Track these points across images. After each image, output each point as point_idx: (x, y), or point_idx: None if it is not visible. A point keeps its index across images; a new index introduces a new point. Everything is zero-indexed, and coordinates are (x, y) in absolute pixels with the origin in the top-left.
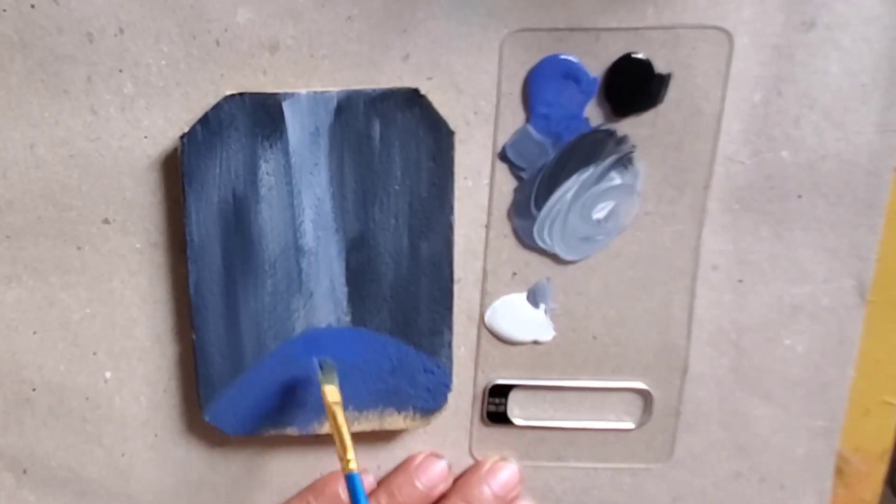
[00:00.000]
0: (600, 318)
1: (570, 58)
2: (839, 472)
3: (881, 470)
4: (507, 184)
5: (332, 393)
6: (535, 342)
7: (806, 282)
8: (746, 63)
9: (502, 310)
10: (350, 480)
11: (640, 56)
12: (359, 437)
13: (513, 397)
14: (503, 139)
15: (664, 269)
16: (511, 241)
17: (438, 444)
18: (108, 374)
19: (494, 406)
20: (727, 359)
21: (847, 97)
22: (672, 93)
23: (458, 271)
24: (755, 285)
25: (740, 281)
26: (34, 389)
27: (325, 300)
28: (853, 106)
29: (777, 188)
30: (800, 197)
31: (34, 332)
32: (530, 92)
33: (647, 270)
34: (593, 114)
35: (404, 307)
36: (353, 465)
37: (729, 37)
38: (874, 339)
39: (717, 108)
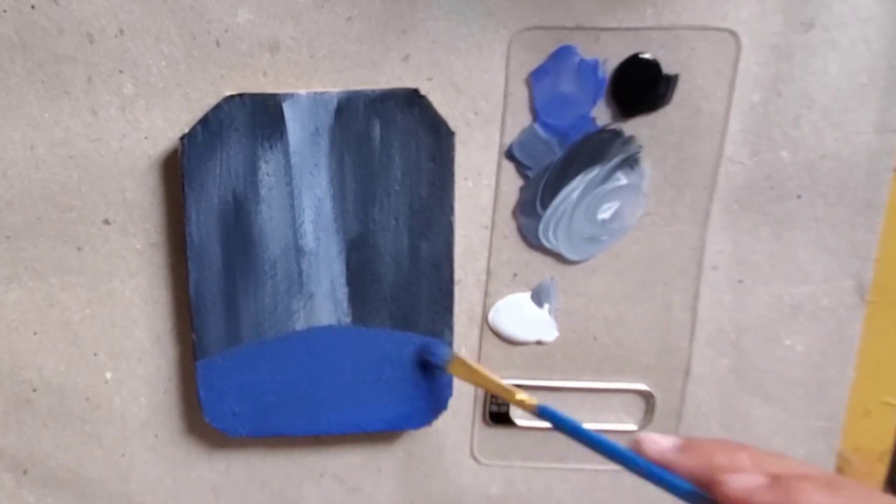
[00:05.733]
0: (601, 319)
1: (579, 56)
2: (839, 472)
3: (881, 470)
4: (509, 183)
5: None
6: (539, 342)
7: (805, 282)
8: (746, 63)
9: (506, 309)
10: (545, 412)
11: (647, 57)
12: (359, 438)
13: None
14: (509, 138)
15: (665, 270)
16: (512, 242)
17: (440, 445)
18: (108, 375)
19: (497, 407)
20: (727, 359)
21: (846, 97)
22: (676, 94)
23: (459, 272)
24: (755, 285)
25: (740, 281)
26: (34, 390)
27: (325, 301)
28: (852, 106)
29: (776, 188)
30: (799, 197)
31: (34, 333)
32: (537, 91)
33: (649, 271)
34: (600, 114)
35: (405, 308)
36: (532, 399)
37: (736, 38)
38: (874, 339)
39: (721, 109)
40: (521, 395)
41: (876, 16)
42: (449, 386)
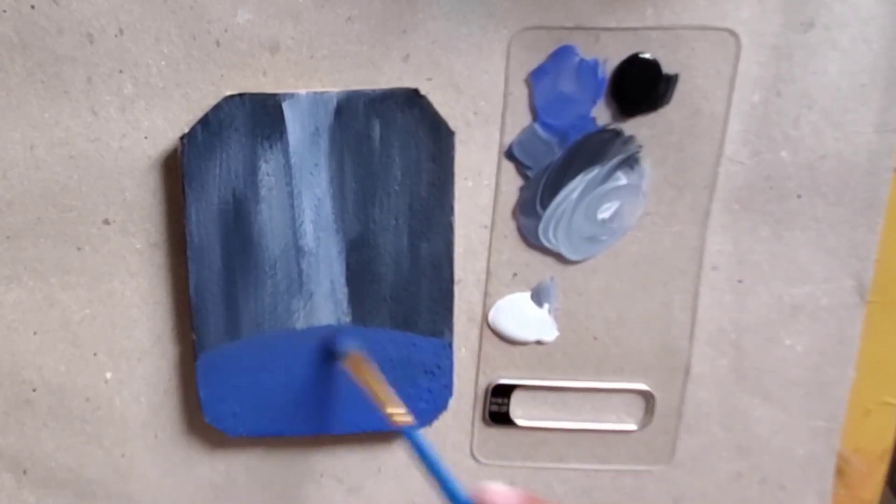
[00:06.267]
0: (601, 319)
1: (579, 56)
2: (839, 472)
3: (881, 470)
4: (509, 183)
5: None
6: (539, 342)
7: (805, 282)
8: (746, 63)
9: (506, 309)
10: (409, 435)
11: (647, 57)
12: (359, 439)
13: (515, 398)
14: (509, 138)
15: (665, 270)
16: (512, 242)
17: (440, 445)
18: (108, 375)
19: (497, 406)
20: (727, 359)
21: (846, 97)
22: (676, 94)
23: (459, 272)
24: (755, 285)
25: (740, 281)
26: (34, 390)
27: (325, 301)
28: (852, 106)
29: (776, 188)
30: (799, 197)
31: (34, 333)
32: (537, 91)
33: (649, 271)
34: (600, 113)
35: (404, 308)
36: (405, 417)
37: (736, 38)
38: (874, 339)
39: (721, 109)
40: (393, 409)
41: (876, 16)
42: (449, 386)
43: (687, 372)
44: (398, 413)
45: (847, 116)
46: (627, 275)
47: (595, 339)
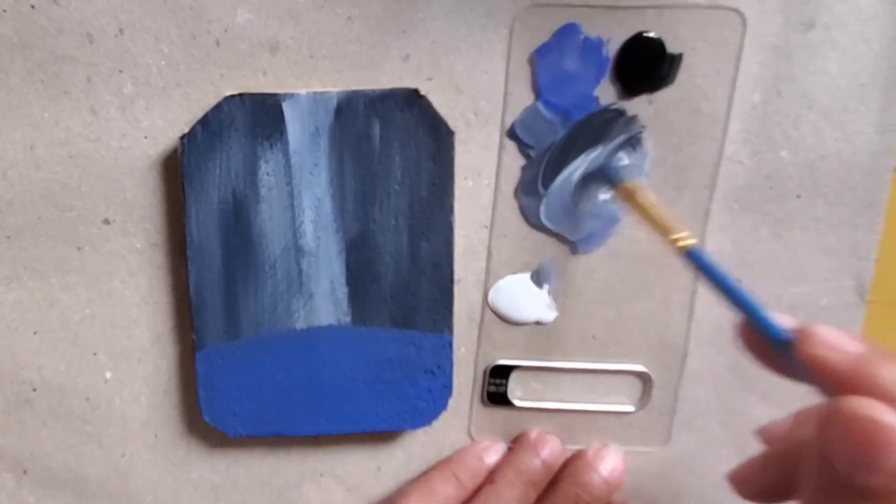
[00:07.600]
0: (600, 319)
1: (583, 34)
2: None
3: None
4: (509, 184)
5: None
6: (538, 322)
7: (805, 282)
8: (746, 63)
9: (506, 289)
10: (694, 256)
11: (652, 35)
12: (358, 438)
13: (513, 378)
14: (511, 119)
15: (664, 268)
16: (511, 241)
17: (440, 445)
18: (108, 375)
19: (495, 387)
20: (725, 357)
21: (846, 97)
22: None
23: (459, 272)
24: (754, 285)
25: (739, 281)
26: (34, 390)
27: (325, 300)
28: (852, 106)
29: (776, 188)
30: (799, 197)
31: (34, 333)
32: (540, 69)
33: (648, 269)
34: (603, 93)
35: (404, 308)
36: (689, 241)
37: (742, 17)
38: (874, 339)
39: (721, 109)
40: (676, 235)
41: (876, 16)
42: (449, 386)
43: (685, 354)
44: (681, 238)
45: (847, 116)
46: (626, 273)
47: (594, 338)
